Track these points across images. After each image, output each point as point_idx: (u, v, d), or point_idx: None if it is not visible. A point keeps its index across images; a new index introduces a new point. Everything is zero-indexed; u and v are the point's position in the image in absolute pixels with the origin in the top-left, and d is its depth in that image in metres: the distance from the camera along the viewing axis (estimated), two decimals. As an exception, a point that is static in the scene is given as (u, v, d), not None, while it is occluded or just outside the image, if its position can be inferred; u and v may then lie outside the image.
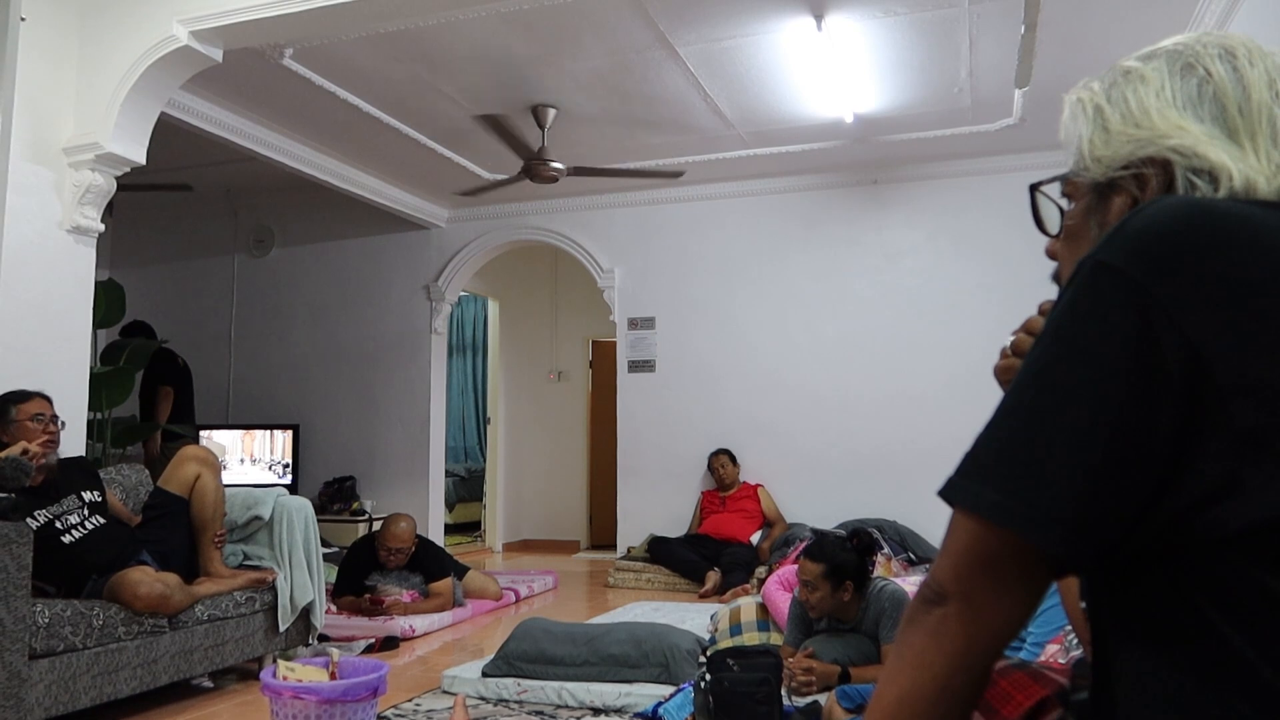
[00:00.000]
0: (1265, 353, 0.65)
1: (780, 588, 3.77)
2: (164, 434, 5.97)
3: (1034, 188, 0.96)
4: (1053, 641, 2.13)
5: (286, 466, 6.88)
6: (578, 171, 5.45)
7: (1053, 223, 0.94)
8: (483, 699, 3.27)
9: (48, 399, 3.24)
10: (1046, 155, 5.56)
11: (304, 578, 3.64)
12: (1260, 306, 0.66)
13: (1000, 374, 1.00)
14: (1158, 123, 0.81)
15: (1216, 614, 0.66)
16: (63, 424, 3.29)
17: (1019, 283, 5.10)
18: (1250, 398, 0.64)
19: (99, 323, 4.89)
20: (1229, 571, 0.65)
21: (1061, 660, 2.01)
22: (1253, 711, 0.64)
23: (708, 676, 2.69)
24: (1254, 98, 0.79)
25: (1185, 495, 0.66)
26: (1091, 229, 0.86)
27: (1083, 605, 0.83)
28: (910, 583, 3.67)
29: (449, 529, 7.92)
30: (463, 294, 7.69)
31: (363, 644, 4.11)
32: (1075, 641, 2.02)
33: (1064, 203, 0.93)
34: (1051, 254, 0.95)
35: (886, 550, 5.28)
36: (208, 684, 3.48)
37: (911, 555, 5.42)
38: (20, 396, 3.16)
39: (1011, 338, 1.00)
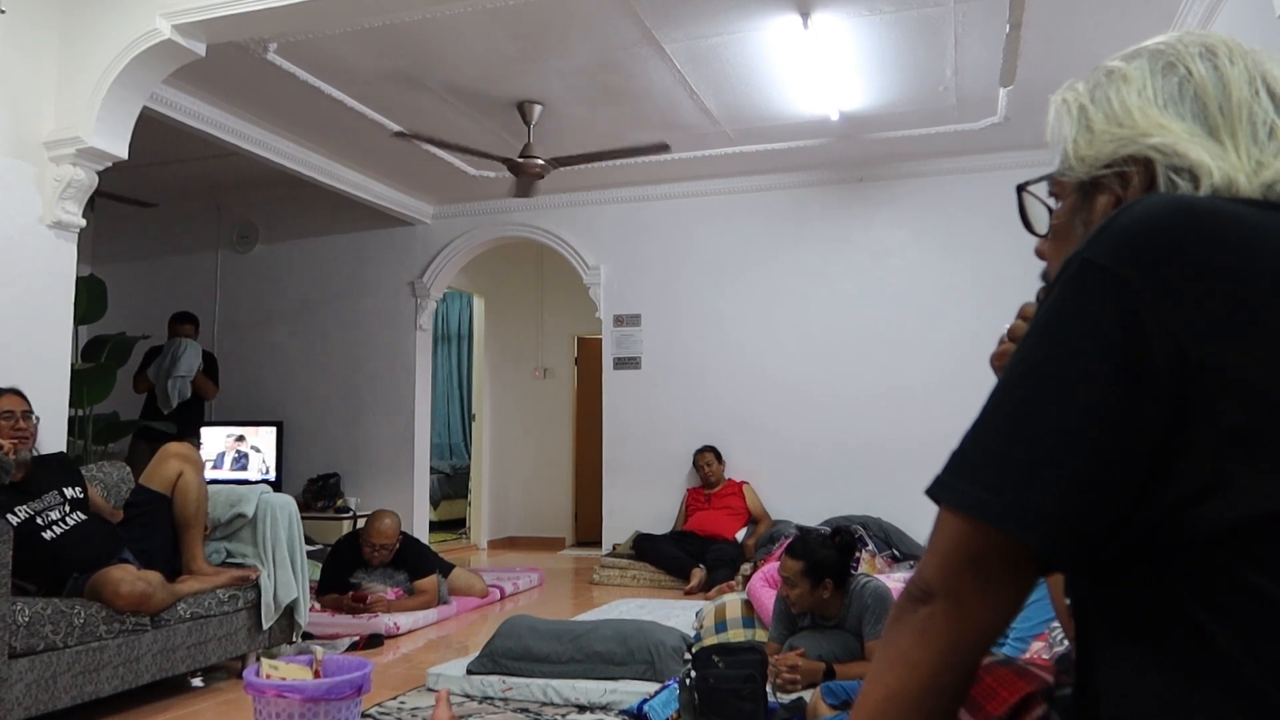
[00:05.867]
0: (1252, 351, 0.65)
1: (765, 584, 3.77)
2: (147, 432, 5.92)
3: (1021, 188, 0.96)
4: (1038, 639, 2.14)
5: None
6: (566, 161, 5.36)
7: (1041, 223, 0.95)
8: (468, 696, 3.26)
9: (20, 394, 3.21)
10: (1031, 154, 5.58)
11: (288, 575, 3.62)
12: (1247, 304, 0.66)
13: (996, 360, 1.01)
14: (1139, 121, 0.81)
15: (1202, 611, 0.66)
16: (37, 419, 3.27)
17: (1004, 280, 5.12)
18: (1238, 396, 0.65)
19: (80, 319, 4.85)
20: (1215, 569, 0.66)
21: (1046, 657, 2.02)
22: (1237, 709, 0.64)
23: (693, 673, 2.69)
24: (1234, 95, 0.79)
25: (1172, 493, 0.66)
26: (1077, 228, 0.87)
27: (1067, 601, 0.84)
28: (894, 579, 3.68)
29: (434, 526, 7.89)
30: (448, 290, 7.66)
31: (347, 642, 4.09)
32: (1060, 638, 2.03)
33: (1052, 202, 0.93)
34: (1041, 254, 0.95)
35: (871, 547, 5.29)
36: (198, 683, 3.45)
37: (896, 552, 5.43)
38: None
39: (1009, 324, 1.01)
